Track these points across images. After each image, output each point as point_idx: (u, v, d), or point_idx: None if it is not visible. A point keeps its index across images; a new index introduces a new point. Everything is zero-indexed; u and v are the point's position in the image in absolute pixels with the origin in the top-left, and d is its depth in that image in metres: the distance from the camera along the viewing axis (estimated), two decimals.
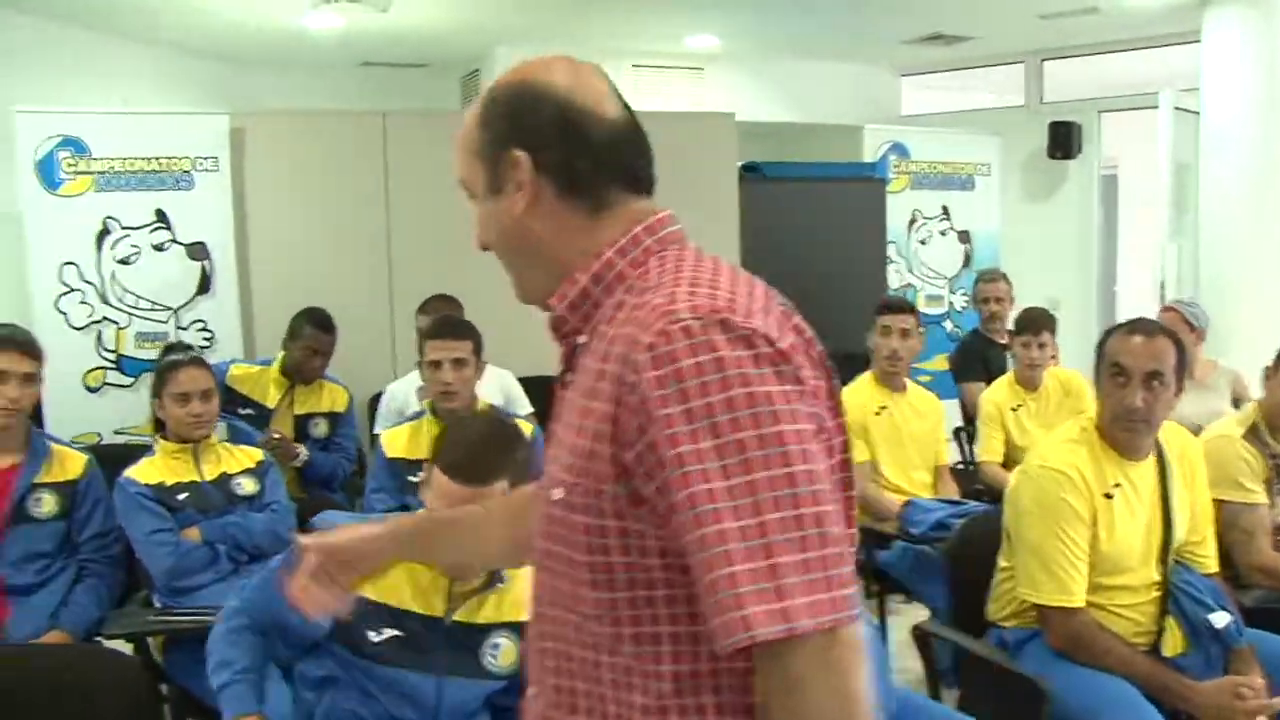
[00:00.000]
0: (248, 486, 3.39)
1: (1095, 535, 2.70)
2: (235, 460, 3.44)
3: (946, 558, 3.05)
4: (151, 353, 5.59)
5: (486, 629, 2.29)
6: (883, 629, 2.63)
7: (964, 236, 7.87)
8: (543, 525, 1.29)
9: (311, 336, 4.59)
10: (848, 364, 5.01)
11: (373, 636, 2.19)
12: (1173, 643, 2.72)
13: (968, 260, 7.87)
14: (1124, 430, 2.72)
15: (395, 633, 2.21)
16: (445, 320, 3.91)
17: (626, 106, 1.38)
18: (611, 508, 1.20)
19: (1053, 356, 4.71)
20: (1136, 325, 2.77)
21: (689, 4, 7.18)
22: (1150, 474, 2.78)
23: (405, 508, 3.38)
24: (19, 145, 5.41)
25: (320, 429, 4.66)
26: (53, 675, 2.35)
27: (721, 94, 8.45)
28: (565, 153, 1.32)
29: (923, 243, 7.73)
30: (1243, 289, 6.76)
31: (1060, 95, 9.14)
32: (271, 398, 4.55)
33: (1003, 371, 5.77)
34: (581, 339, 1.33)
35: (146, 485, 3.24)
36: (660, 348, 1.16)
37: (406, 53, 8.08)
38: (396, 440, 3.69)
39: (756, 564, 1.10)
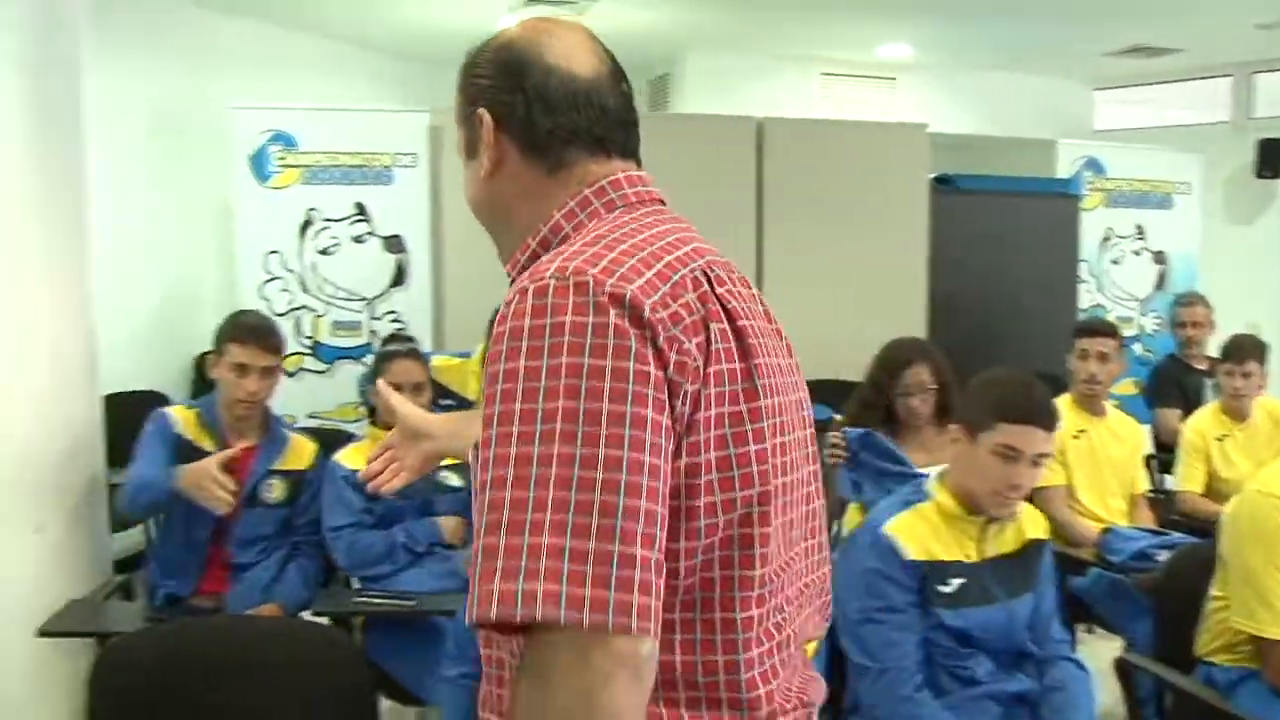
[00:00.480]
0: (453, 480, 3.46)
1: None
2: None
3: (1153, 589, 2.94)
4: (346, 340, 5.81)
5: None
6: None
7: (1159, 257, 7.59)
8: None
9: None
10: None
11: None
12: None
13: (1162, 282, 7.58)
14: None
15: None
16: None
17: (611, 68, 1.33)
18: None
19: (1260, 386, 4.50)
20: None
21: (882, 13, 7.11)
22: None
23: None
24: (235, 140, 5.68)
25: None
26: (271, 645, 2.45)
27: (912, 104, 8.35)
28: (526, 110, 1.28)
29: (1115, 262, 7.49)
30: None
31: (1272, 111, 8.74)
32: (472, 389, 4.63)
33: (1200, 398, 5.55)
34: None
35: (353, 470, 3.32)
36: (513, 305, 1.10)
37: None
38: None
39: (531, 539, 1.00)
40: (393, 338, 4.00)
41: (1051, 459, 3.90)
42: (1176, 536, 3.52)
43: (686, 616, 1.15)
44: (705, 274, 1.20)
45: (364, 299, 5.82)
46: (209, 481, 3.03)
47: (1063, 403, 4.16)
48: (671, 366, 1.09)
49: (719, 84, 7.87)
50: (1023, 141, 8.00)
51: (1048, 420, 2.45)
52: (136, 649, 2.46)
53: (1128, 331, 7.32)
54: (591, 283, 1.08)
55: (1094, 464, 4.06)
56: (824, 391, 5.83)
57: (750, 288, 1.30)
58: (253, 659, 2.41)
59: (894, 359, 3.71)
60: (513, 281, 1.22)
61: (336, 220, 5.78)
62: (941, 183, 6.56)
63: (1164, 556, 3.28)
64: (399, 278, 5.83)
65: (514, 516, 1.02)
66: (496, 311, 1.15)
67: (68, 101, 3.30)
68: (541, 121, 1.27)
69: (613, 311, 1.07)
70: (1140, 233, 7.52)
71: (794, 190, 6.22)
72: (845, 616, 2.47)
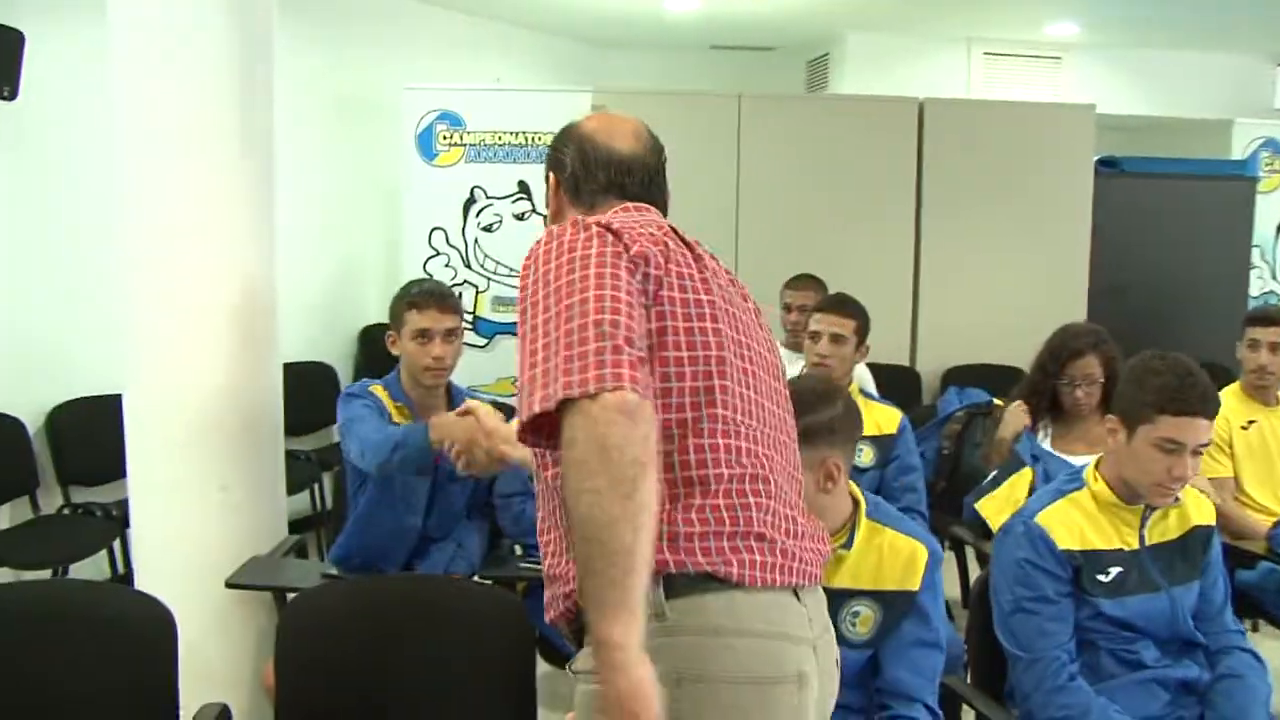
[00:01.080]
0: None
1: None
2: None
3: None
4: (505, 316, 5.96)
5: (842, 595, 2.29)
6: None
7: None
8: None
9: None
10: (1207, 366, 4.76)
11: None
12: None
13: None
14: None
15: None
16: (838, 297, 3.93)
17: (651, 146, 1.92)
18: None
19: None
20: None
21: None
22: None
23: None
24: (404, 119, 5.88)
25: None
26: (444, 602, 2.58)
27: (1078, 84, 8.13)
28: (574, 173, 1.88)
29: None
30: None
31: None
32: None
33: None
34: None
35: None
36: (538, 244, 1.63)
37: (756, 36, 8.19)
38: None
39: (546, 366, 1.48)
40: None
41: (1212, 445, 3.83)
42: None
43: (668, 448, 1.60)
44: (673, 228, 1.74)
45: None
46: (479, 436, 2.57)
47: (1231, 392, 4.05)
48: (634, 253, 1.59)
49: (879, 65, 7.80)
50: (1195, 122, 7.74)
51: (1209, 409, 2.39)
52: (320, 603, 2.61)
53: None
54: (585, 221, 1.64)
55: (1264, 456, 3.94)
56: (981, 376, 5.78)
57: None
58: (426, 614, 2.55)
59: (1066, 347, 3.62)
60: None
61: (500, 198, 5.94)
62: (1106, 165, 6.40)
63: None
64: None
65: (542, 354, 1.50)
66: None
67: (263, 79, 3.45)
68: (583, 180, 1.88)
69: (594, 229, 1.61)
70: None
71: (954, 172, 6.15)
72: (999, 606, 2.47)
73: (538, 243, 1.63)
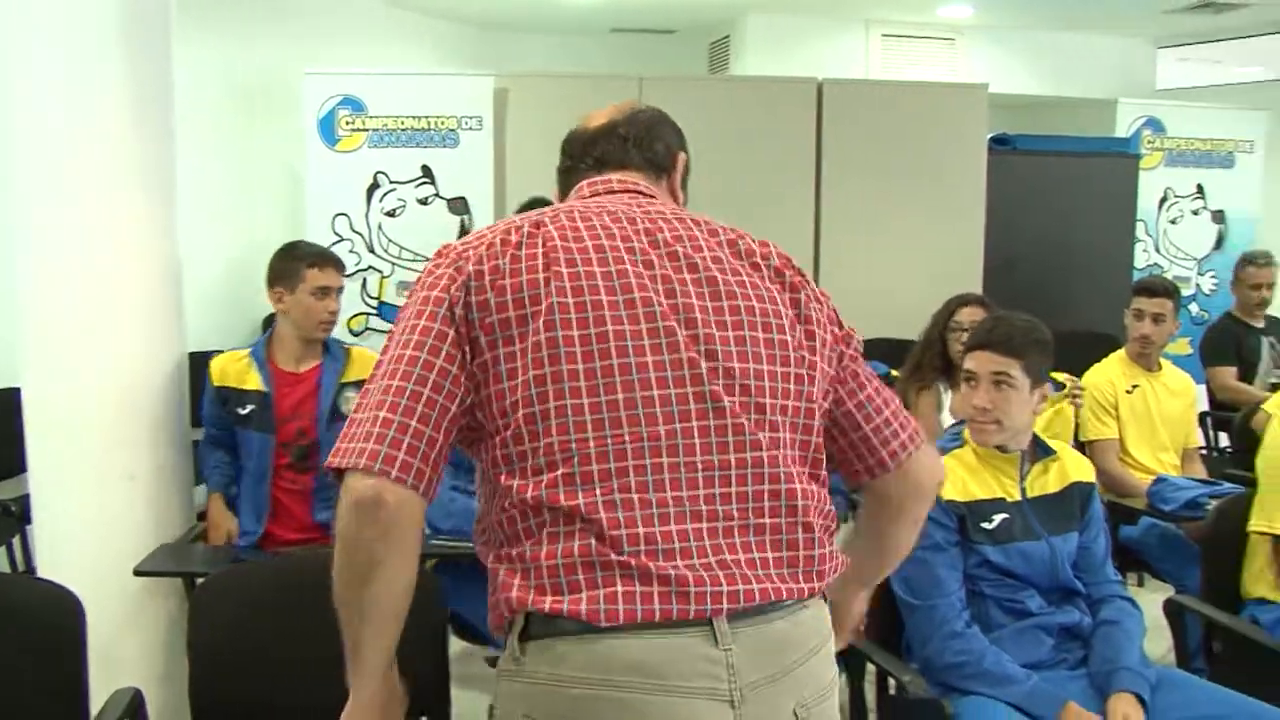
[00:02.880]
0: None
1: None
2: None
3: (1202, 537, 3.03)
4: None
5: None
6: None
7: (1217, 217, 7.56)
8: None
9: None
10: (1093, 344, 4.95)
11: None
12: None
13: (1220, 242, 7.57)
14: None
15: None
16: None
17: (630, 113, 1.91)
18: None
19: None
20: None
21: None
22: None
23: None
24: (305, 105, 5.84)
25: None
26: None
27: (972, 65, 8.33)
28: (562, 160, 1.89)
29: (1173, 222, 7.48)
30: None
31: None
32: None
33: (1257, 358, 5.56)
34: None
35: None
36: None
37: (657, 19, 8.25)
38: None
39: (357, 416, 1.49)
40: None
41: (1098, 408, 4.00)
42: (1226, 486, 3.59)
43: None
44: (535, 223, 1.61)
45: (428, 259, 5.95)
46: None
47: (1117, 358, 4.23)
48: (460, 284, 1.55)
49: (779, 46, 7.91)
50: (1083, 101, 7.97)
51: (997, 343, 2.57)
52: (228, 586, 2.62)
53: (1185, 291, 7.32)
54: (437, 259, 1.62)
55: (1147, 418, 4.12)
56: (881, 350, 5.91)
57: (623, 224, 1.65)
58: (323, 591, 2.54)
59: (948, 305, 3.83)
60: None
61: (403, 182, 5.93)
62: (999, 143, 6.58)
63: (1214, 505, 3.36)
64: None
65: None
66: None
67: (160, 66, 3.43)
68: (564, 163, 1.88)
69: (435, 259, 1.62)
70: (1200, 192, 7.50)
71: (853, 151, 6.28)
72: None
73: None
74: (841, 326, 1.73)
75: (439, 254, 1.60)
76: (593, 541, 1.42)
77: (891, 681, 2.62)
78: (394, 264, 5.96)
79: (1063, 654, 2.54)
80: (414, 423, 1.45)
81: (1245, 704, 2.37)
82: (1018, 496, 2.61)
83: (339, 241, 5.86)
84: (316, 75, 5.86)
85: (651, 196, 1.78)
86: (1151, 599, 2.88)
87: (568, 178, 1.84)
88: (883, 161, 6.30)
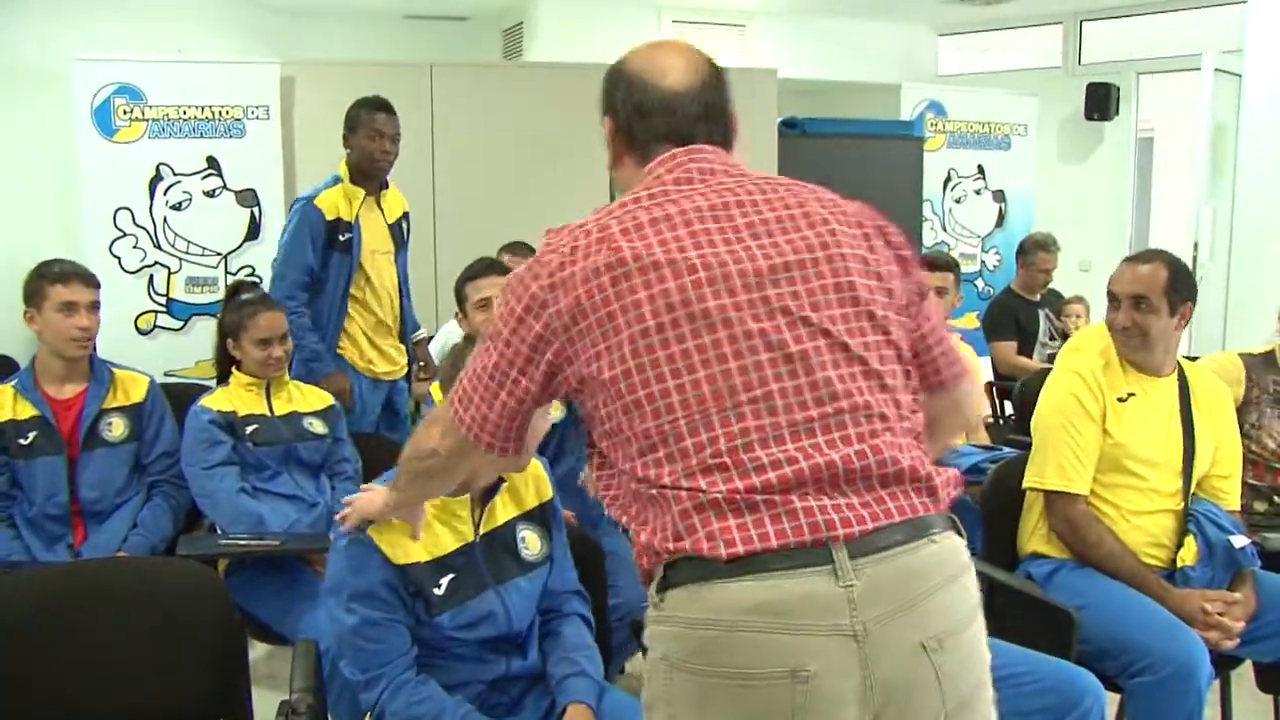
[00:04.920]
0: (317, 427, 3.49)
1: (1105, 434, 2.92)
2: (305, 400, 3.55)
3: (981, 499, 3.16)
4: (201, 297, 5.76)
5: (509, 525, 2.41)
6: None
7: (998, 196, 7.93)
8: None
9: (370, 120, 4.43)
10: None
11: (437, 591, 2.27)
12: (1186, 557, 2.89)
13: (1001, 220, 7.93)
14: (1123, 345, 2.99)
15: (451, 576, 2.29)
16: (488, 262, 3.83)
17: (707, 74, 1.79)
18: None
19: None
20: (1130, 256, 3.07)
21: None
22: (1169, 392, 3.00)
23: None
24: (76, 93, 5.56)
25: None
26: (135, 583, 2.49)
27: (762, 50, 8.51)
28: (628, 117, 1.76)
29: (957, 201, 7.80)
30: (1277, 251, 6.73)
31: (1099, 57, 9.15)
32: (350, 211, 4.39)
33: (1036, 331, 5.86)
34: None
35: (218, 412, 3.34)
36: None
37: (450, 5, 8.16)
38: None
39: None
40: (240, 286, 3.89)
41: None
42: (1007, 451, 3.75)
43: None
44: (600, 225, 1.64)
45: (218, 254, 5.78)
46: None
47: None
48: (550, 313, 1.62)
49: (571, 33, 7.91)
50: (868, 86, 8.23)
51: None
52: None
53: (969, 268, 7.65)
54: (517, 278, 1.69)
55: None
56: None
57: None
58: (108, 600, 2.43)
59: None
60: None
61: (188, 175, 5.72)
62: (789, 126, 6.73)
63: (993, 469, 3.52)
64: (253, 231, 5.80)
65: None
66: None
67: None
68: (636, 124, 1.76)
69: (523, 291, 1.65)
70: (981, 172, 7.85)
71: None
72: None
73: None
74: (910, 270, 1.75)
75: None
76: (712, 485, 1.52)
77: None
78: (182, 259, 5.74)
79: None
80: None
81: (1024, 656, 2.49)
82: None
83: (122, 237, 5.62)
84: (88, 62, 5.58)
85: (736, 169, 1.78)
86: None
87: (646, 142, 1.77)
88: None
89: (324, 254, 4.29)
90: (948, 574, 1.55)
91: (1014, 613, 2.69)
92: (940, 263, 4.42)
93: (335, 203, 4.34)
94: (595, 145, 5.63)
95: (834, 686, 1.44)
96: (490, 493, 2.41)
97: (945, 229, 7.71)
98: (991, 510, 3.12)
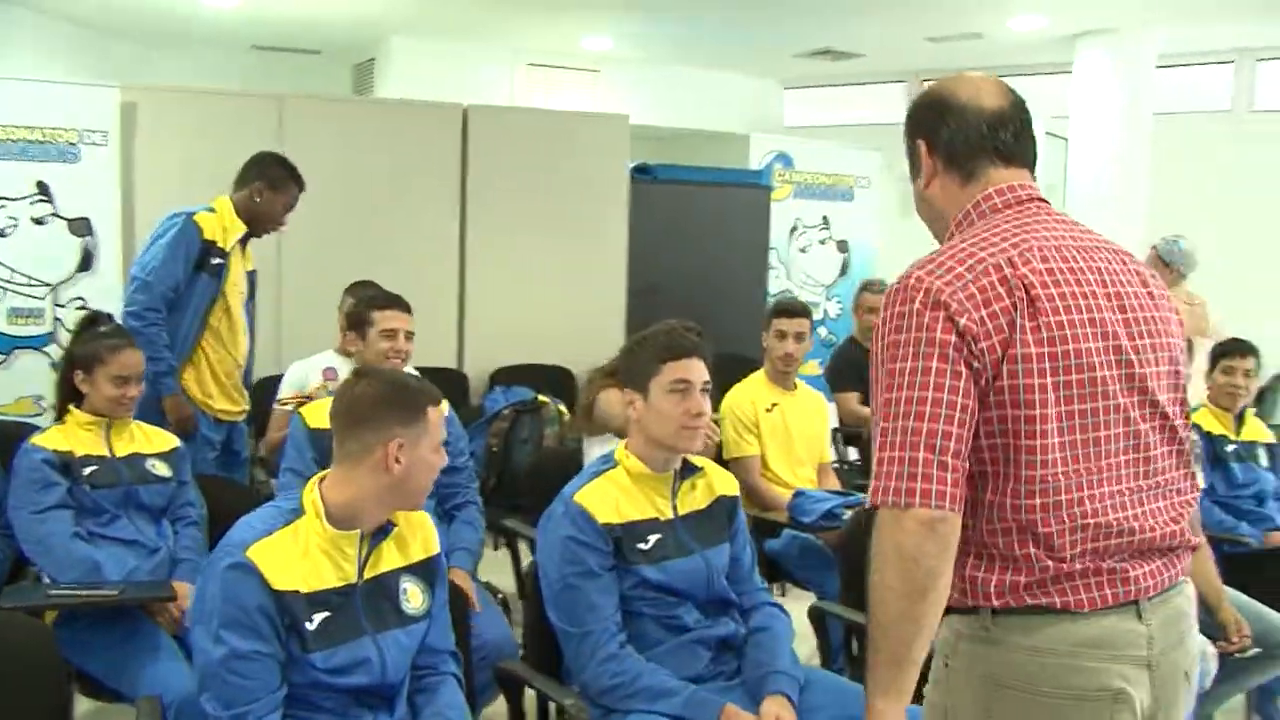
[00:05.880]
0: (160, 469, 3.30)
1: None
2: (149, 442, 3.35)
3: (838, 544, 3.20)
4: (26, 329, 5.47)
5: (394, 575, 2.32)
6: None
7: (842, 246, 8.11)
8: None
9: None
10: (732, 365, 5.15)
11: (309, 626, 2.16)
12: None
13: (845, 269, 8.12)
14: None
15: (325, 614, 2.19)
16: (395, 296, 3.79)
17: (1015, 100, 1.85)
18: None
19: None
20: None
21: (582, 6, 7.26)
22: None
23: None
24: None
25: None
26: None
27: (615, 96, 8.57)
28: (949, 139, 1.83)
29: (802, 251, 7.95)
30: None
31: None
32: (225, 240, 4.28)
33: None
34: None
35: (53, 451, 3.13)
36: (886, 299, 1.74)
37: (300, 38, 8.01)
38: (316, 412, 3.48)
39: (881, 456, 1.65)
40: (95, 317, 3.65)
41: (741, 426, 4.18)
42: (858, 496, 3.81)
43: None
44: (1008, 261, 1.70)
45: (47, 284, 5.51)
46: None
47: (756, 380, 4.41)
48: (962, 329, 1.64)
49: (424, 71, 7.85)
50: (719, 135, 8.37)
51: (701, 350, 2.67)
52: None
53: (815, 316, 7.77)
54: (912, 285, 1.68)
55: (786, 435, 4.32)
56: (527, 375, 5.96)
57: (1084, 260, 1.77)
58: None
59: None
60: None
61: (14, 199, 5.43)
62: (640, 172, 6.77)
63: (849, 515, 3.57)
64: (86, 262, 5.54)
65: (883, 439, 1.66)
66: None
67: None
68: (957, 143, 1.82)
69: (917, 299, 1.66)
70: (825, 223, 8.02)
71: (498, 178, 6.28)
72: (548, 586, 2.56)
73: (886, 296, 1.73)
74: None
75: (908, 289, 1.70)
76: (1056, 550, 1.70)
77: (552, 706, 2.61)
78: (6, 288, 5.45)
79: (720, 667, 2.60)
80: (958, 463, 1.65)
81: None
82: (670, 514, 2.64)
83: None
84: None
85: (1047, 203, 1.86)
86: (796, 607, 3.00)
87: (969, 158, 1.83)
88: (529, 189, 6.34)
89: (192, 274, 4.17)
90: (1192, 615, 1.85)
91: None
92: (797, 309, 4.48)
93: (214, 225, 4.25)
94: (447, 184, 5.59)
95: (1139, 707, 1.71)
96: (379, 535, 2.31)
97: (790, 277, 7.84)
98: (848, 556, 3.15)
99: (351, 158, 5.99)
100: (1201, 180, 8.16)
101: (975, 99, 1.82)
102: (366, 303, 3.71)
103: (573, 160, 6.44)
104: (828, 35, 7.88)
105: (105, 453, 3.24)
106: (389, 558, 2.32)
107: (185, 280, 4.15)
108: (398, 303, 3.70)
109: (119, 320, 3.87)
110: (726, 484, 2.77)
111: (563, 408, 4.97)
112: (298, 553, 2.17)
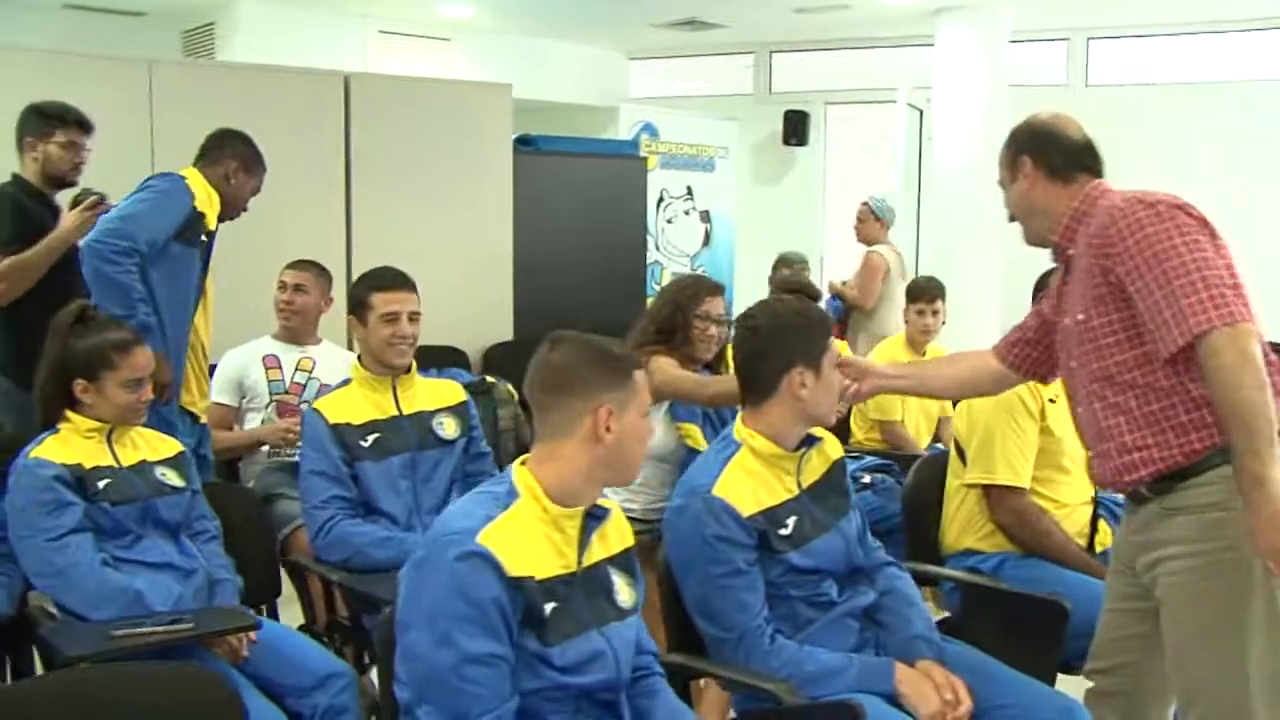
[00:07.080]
0: (172, 478, 2.86)
1: (1046, 430, 3.07)
2: (151, 447, 2.91)
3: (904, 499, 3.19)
4: None
5: (603, 565, 2.13)
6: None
7: (704, 216, 8.15)
8: (1074, 341, 2.41)
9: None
10: (619, 334, 5.00)
11: (547, 614, 1.98)
12: (1105, 541, 3.08)
13: (708, 239, 8.15)
14: None
15: (553, 604, 1.99)
16: (397, 273, 3.36)
17: (1081, 133, 2.52)
18: (1117, 316, 2.30)
19: (943, 323, 4.90)
20: None
21: None
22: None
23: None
24: None
25: None
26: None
27: (467, 66, 8.31)
28: (1049, 154, 2.46)
29: (669, 221, 7.96)
30: (960, 268, 7.15)
31: (787, 86, 9.60)
32: (212, 219, 3.78)
33: None
34: (1072, 251, 2.43)
35: (62, 466, 2.68)
36: (1131, 216, 2.26)
37: None
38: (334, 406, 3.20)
39: (1179, 305, 2.16)
40: (84, 310, 2.94)
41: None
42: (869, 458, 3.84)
43: None
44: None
45: None
46: None
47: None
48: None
49: (271, 38, 7.39)
50: (587, 107, 8.23)
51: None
52: None
53: None
54: (1176, 201, 2.28)
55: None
56: (429, 356, 5.69)
57: None
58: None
59: (694, 290, 3.51)
60: (1058, 244, 2.48)
61: None
62: (523, 143, 6.59)
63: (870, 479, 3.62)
64: None
65: (1174, 295, 2.17)
66: None
67: None
68: (1056, 159, 2.46)
69: (1183, 215, 2.25)
70: (690, 193, 8.04)
71: (382, 149, 5.98)
72: (689, 589, 2.41)
73: (1127, 215, 2.25)
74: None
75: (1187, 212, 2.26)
76: None
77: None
78: None
79: (866, 635, 2.51)
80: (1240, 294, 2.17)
81: (1020, 686, 2.43)
82: (796, 490, 2.51)
83: None
84: None
85: None
86: None
87: (1070, 171, 2.45)
88: (413, 160, 6.07)
89: (172, 242, 3.58)
90: None
91: (990, 611, 2.70)
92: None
93: (205, 198, 3.71)
94: (327, 154, 5.13)
95: None
96: (593, 520, 2.12)
97: (659, 248, 7.82)
98: (914, 511, 3.13)
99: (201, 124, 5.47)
100: None
101: (1065, 129, 2.48)
102: (367, 283, 3.34)
103: (458, 131, 6.18)
104: (694, 5, 7.80)
105: (113, 463, 2.79)
106: (600, 547, 2.14)
107: (163, 244, 3.54)
108: (401, 282, 3.31)
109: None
110: (836, 447, 2.68)
111: (511, 388, 4.71)
112: (524, 538, 1.97)
